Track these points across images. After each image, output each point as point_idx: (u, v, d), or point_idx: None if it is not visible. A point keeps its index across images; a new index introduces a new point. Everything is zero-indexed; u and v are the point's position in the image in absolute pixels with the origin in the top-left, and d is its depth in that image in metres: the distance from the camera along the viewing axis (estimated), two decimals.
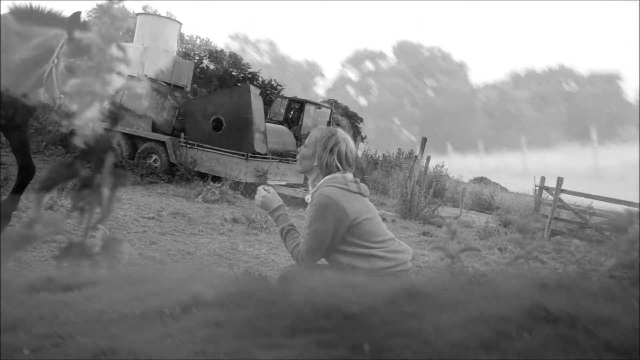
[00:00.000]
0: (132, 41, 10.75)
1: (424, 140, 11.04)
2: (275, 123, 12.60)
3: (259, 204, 2.37)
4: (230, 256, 4.62)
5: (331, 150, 2.25)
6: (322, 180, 2.26)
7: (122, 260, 0.52)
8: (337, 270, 2.13)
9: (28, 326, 0.54)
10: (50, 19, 3.25)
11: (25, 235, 0.47)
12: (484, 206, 16.94)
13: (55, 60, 3.10)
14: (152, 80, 9.77)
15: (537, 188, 10.80)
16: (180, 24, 11.62)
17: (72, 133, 2.65)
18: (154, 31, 10.41)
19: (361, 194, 2.26)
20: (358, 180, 2.31)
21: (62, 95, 3.03)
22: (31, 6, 3.27)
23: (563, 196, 9.98)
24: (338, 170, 2.26)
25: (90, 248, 0.50)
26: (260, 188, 2.39)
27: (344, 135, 2.32)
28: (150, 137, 9.24)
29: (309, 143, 2.33)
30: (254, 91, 9.14)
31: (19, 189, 3.63)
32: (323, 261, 2.31)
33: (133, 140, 9.31)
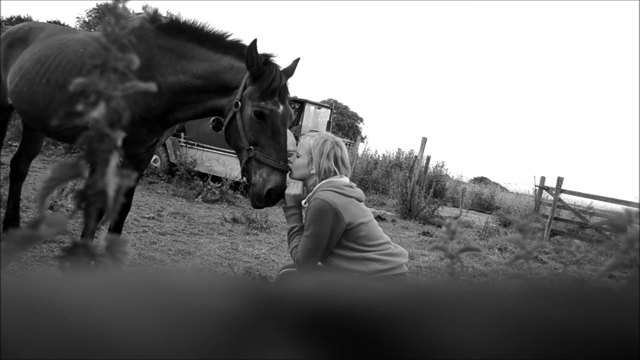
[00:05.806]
0: None
1: (424, 140, 11.04)
2: None
3: (287, 193, 2.40)
4: (230, 256, 4.63)
5: (327, 155, 2.30)
6: (318, 185, 2.29)
7: (125, 261, 0.52)
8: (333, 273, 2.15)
9: None
10: (215, 41, 2.63)
11: (29, 236, 0.47)
12: (484, 206, 16.97)
13: (239, 103, 2.49)
14: None
15: (537, 188, 10.80)
16: None
17: (269, 193, 2.34)
18: None
19: (356, 198, 2.28)
20: (354, 185, 2.36)
21: (251, 147, 2.46)
22: (182, 20, 2.68)
23: (563, 196, 9.98)
24: (335, 174, 2.31)
25: (93, 248, 0.51)
26: (300, 183, 2.41)
27: (335, 139, 2.38)
28: None
29: (302, 152, 2.36)
30: None
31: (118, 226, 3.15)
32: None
33: None
